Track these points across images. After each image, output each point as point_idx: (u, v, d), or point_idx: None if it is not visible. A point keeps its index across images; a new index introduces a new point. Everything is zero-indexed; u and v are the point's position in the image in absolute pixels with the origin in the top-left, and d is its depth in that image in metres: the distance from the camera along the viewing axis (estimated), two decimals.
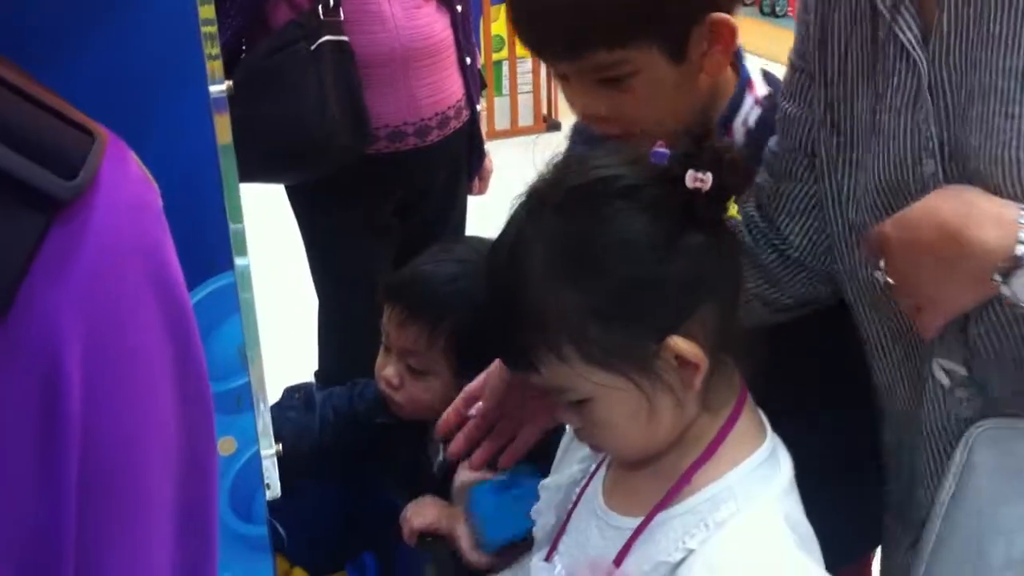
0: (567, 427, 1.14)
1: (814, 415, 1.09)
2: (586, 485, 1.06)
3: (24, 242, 0.47)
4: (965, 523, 0.99)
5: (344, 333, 2.14)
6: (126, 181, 0.53)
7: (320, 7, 1.90)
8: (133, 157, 0.54)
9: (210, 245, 0.85)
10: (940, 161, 0.94)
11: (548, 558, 1.05)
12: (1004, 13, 0.89)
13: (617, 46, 1.09)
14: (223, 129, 0.85)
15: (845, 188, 1.04)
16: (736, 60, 1.21)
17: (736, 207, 0.90)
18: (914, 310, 0.94)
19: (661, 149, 0.89)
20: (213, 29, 0.80)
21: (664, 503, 0.94)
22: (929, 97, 0.94)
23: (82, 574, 0.50)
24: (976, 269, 0.86)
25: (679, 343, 0.89)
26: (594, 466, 1.07)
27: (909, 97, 0.96)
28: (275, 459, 0.96)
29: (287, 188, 2.18)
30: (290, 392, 1.50)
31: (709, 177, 0.87)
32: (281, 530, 1.06)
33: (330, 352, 2.22)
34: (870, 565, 1.29)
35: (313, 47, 1.88)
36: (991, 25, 0.89)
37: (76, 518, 0.49)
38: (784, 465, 0.96)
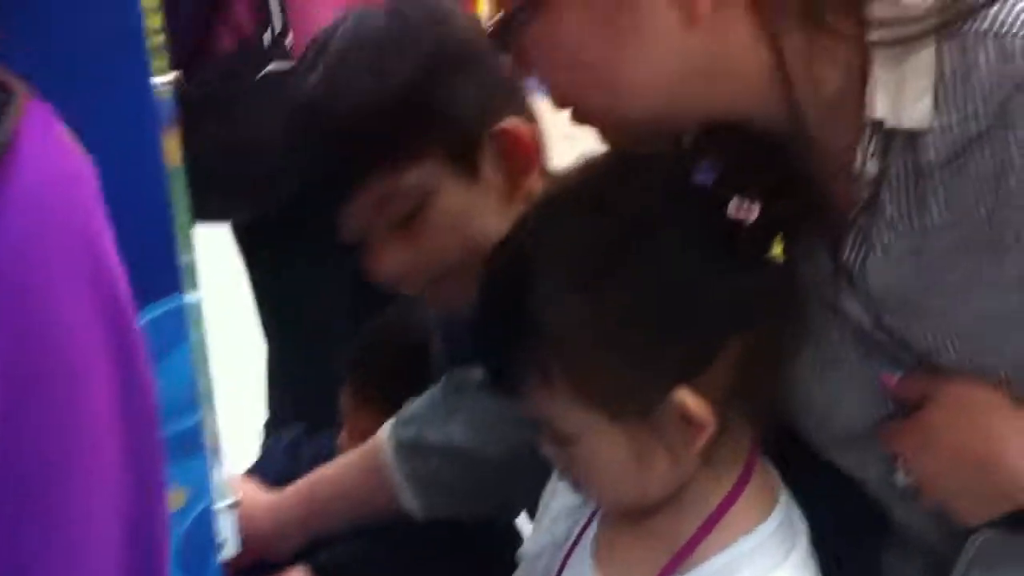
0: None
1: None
2: (572, 547, 0.96)
3: None
4: None
5: (300, 378, 2.04)
6: (52, 146, 0.43)
7: (265, 34, 1.83)
8: (59, 122, 0.45)
9: (151, 269, 0.75)
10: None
11: None
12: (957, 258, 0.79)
13: (399, 165, 1.03)
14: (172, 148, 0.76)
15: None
16: None
17: (782, 246, 0.80)
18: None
19: (707, 169, 0.79)
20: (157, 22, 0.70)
21: (665, 574, 0.85)
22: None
23: None
24: (1011, 491, 0.81)
25: (687, 398, 0.80)
26: (580, 526, 0.97)
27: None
28: (232, 512, 0.87)
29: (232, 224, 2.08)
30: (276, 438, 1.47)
31: (756, 208, 0.79)
32: None
33: (284, 399, 2.11)
34: None
35: (258, 76, 1.81)
36: (944, 275, 0.81)
37: None
38: (801, 534, 0.88)
